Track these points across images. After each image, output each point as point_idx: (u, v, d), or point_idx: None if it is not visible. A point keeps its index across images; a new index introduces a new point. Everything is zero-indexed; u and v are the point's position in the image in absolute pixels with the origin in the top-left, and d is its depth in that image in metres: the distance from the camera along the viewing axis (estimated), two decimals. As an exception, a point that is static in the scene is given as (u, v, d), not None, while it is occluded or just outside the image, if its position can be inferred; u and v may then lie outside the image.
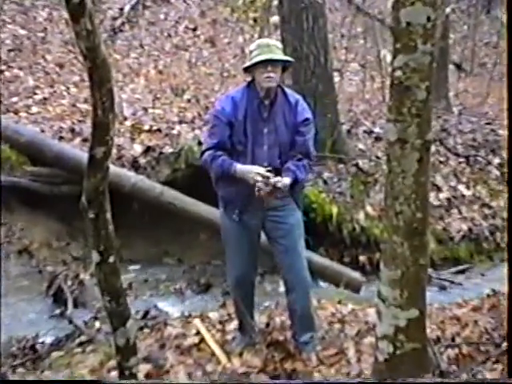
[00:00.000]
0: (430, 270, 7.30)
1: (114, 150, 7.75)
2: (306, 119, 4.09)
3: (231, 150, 4.05)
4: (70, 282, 6.30)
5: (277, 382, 4.00)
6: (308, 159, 4.10)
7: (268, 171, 3.87)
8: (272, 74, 3.97)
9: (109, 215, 2.94)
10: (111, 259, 3.01)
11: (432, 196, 8.34)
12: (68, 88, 10.13)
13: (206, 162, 4.08)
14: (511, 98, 3.28)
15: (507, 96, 3.19)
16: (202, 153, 4.13)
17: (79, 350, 4.80)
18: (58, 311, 5.83)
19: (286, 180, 3.92)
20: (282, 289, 7.08)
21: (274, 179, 3.86)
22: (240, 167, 3.96)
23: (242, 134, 4.02)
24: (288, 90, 4.21)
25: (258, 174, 3.88)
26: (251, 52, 4.05)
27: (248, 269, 4.27)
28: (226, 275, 4.38)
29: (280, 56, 4.01)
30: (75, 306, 5.95)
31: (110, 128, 2.70)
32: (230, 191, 4.11)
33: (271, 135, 4.05)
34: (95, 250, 2.97)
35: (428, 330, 3.72)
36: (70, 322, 5.44)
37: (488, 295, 5.28)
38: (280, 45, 4.14)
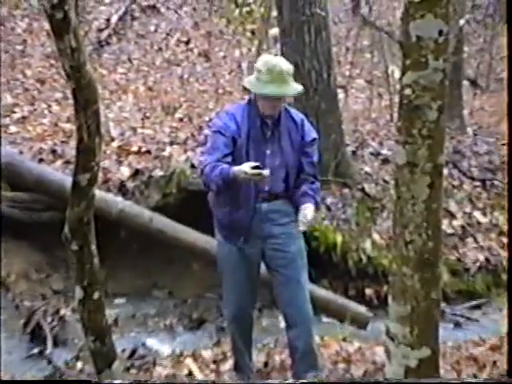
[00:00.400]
0: (443, 305, 7.28)
1: (100, 174, 7.72)
2: (314, 139, 4.16)
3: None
4: (49, 318, 6.26)
5: (277, 381, 3.98)
6: (318, 181, 4.18)
7: (256, 167, 3.86)
8: (278, 105, 4.01)
9: (94, 247, 2.94)
10: (96, 295, 3.01)
11: (445, 223, 8.34)
12: (49, 106, 10.16)
13: (206, 176, 4.05)
14: (511, 108, 3.32)
15: (507, 105, 3.22)
16: (202, 170, 4.12)
17: (59, 394, 4.76)
18: (36, 350, 5.79)
19: (310, 209, 3.95)
20: (282, 324, 7.12)
21: (264, 171, 3.84)
22: (234, 168, 3.93)
23: (244, 156, 4.03)
24: (291, 109, 4.25)
25: (248, 167, 3.86)
26: (259, 72, 4.01)
27: (247, 302, 4.27)
28: (222, 309, 4.38)
29: (294, 91, 4.06)
30: (55, 344, 5.92)
31: (96, 153, 2.72)
32: (229, 213, 4.14)
33: (275, 157, 4.07)
34: (78, 286, 2.97)
35: (442, 371, 3.70)
36: (50, 362, 5.40)
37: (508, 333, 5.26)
38: (291, 68, 4.09)
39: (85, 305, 2.99)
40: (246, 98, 4.25)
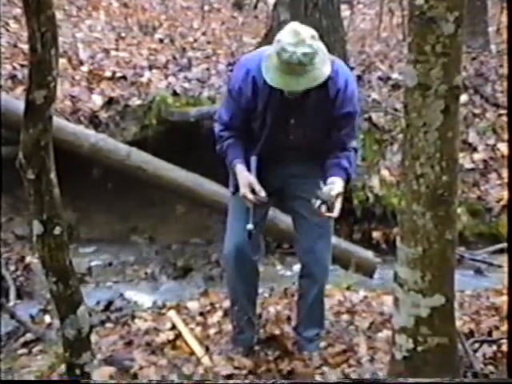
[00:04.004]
0: (461, 249, 7.36)
1: (68, 103, 7.75)
2: (347, 113, 4.00)
3: (248, 134, 4.12)
4: (12, 267, 6.31)
5: (277, 381, 4.03)
6: (352, 150, 4.10)
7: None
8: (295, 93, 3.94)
9: (53, 175, 2.92)
10: (57, 230, 2.99)
11: (464, 157, 8.36)
12: (7, 24, 10.01)
13: (215, 135, 4.19)
14: (511, 107, 3.45)
15: (507, 105, 3.22)
16: (215, 122, 4.23)
17: (24, 351, 4.78)
18: (-4, 303, 5.84)
19: (337, 185, 3.92)
20: (279, 272, 7.19)
21: (262, 194, 3.97)
22: (238, 169, 4.04)
23: (260, 125, 4.04)
24: (331, 72, 3.90)
25: (248, 186, 3.98)
26: (274, 50, 3.74)
27: (248, 243, 4.27)
28: (223, 246, 4.35)
29: (309, 84, 3.77)
30: (19, 296, 5.97)
31: (53, 67, 2.67)
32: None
33: (300, 128, 4.03)
34: (36, 220, 2.96)
35: (458, 323, 3.75)
36: (12, 316, 5.42)
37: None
38: (315, 51, 3.71)
39: (44, 241, 2.98)
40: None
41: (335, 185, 3.89)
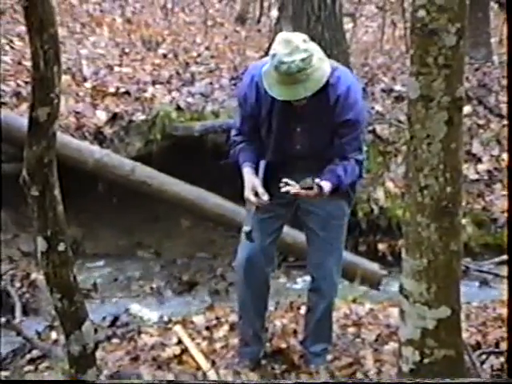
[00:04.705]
0: (467, 260, 7.34)
1: (73, 119, 7.76)
2: (347, 120, 3.95)
3: (258, 141, 4.15)
4: (18, 284, 6.30)
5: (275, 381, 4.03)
6: (353, 161, 4.06)
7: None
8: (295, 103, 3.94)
9: (57, 192, 2.93)
10: (61, 247, 3.00)
11: (468, 168, 8.35)
12: (11, 41, 10.05)
13: (229, 142, 4.27)
14: (511, 106, 3.38)
15: (507, 105, 3.22)
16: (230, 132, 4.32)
17: (30, 367, 4.76)
18: (2, 320, 5.80)
19: (326, 185, 3.91)
20: (284, 285, 7.18)
21: (265, 198, 3.98)
22: (245, 172, 4.07)
23: (266, 133, 4.06)
24: (332, 79, 3.93)
25: (252, 188, 4.01)
26: (270, 61, 3.80)
27: (261, 255, 4.25)
28: (233, 265, 4.33)
29: (306, 92, 3.79)
30: (25, 313, 5.96)
31: (55, 84, 2.68)
32: None
33: (306, 136, 4.02)
34: (41, 236, 2.96)
35: (465, 334, 3.73)
36: (19, 333, 5.42)
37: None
38: (308, 57, 3.72)
39: (49, 258, 2.99)
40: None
41: (313, 190, 3.84)
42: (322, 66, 3.78)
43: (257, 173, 4.07)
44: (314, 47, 3.77)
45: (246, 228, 4.01)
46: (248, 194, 4.00)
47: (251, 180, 4.03)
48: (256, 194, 3.97)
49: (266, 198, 3.97)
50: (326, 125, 3.99)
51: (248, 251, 4.22)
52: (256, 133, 4.11)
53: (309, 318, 4.40)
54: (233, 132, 4.25)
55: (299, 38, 3.72)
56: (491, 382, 3.72)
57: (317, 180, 3.83)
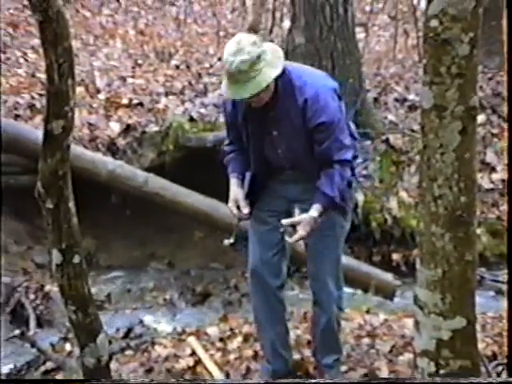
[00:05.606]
0: (482, 270, 7.30)
1: (86, 131, 7.78)
2: (321, 124, 3.89)
3: (244, 149, 4.16)
4: (32, 296, 6.31)
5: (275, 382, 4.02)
6: (338, 165, 4.01)
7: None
8: (253, 102, 3.92)
9: (71, 204, 2.94)
10: (76, 259, 3.01)
11: (482, 177, 8.32)
12: (25, 54, 10.12)
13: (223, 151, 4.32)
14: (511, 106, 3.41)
15: (507, 105, 3.21)
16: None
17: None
18: (17, 332, 5.81)
19: (313, 213, 3.88)
20: (298, 296, 7.16)
21: (245, 211, 4.02)
22: (231, 183, 4.11)
23: (245, 139, 4.07)
24: (296, 79, 3.92)
25: (234, 201, 4.05)
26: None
27: (266, 269, 4.23)
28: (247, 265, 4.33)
29: (252, 91, 3.74)
30: (39, 325, 5.97)
31: (70, 97, 2.69)
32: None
33: (284, 139, 4.00)
34: (55, 249, 2.97)
35: (481, 345, 3.71)
36: (33, 345, 5.42)
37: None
38: (252, 57, 3.69)
39: (63, 270, 3.00)
40: None
41: (307, 213, 3.87)
42: (268, 70, 3.74)
43: (243, 184, 4.11)
44: (264, 50, 3.75)
45: (226, 241, 4.06)
46: (231, 206, 4.04)
47: (234, 192, 4.07)
48: (238, 207, 4.02)
49: (246, 211, 4.02)
50: (300, 128, 3.93)
51: (251, 265, 4.26)
52: (242, 141, 4.12)
53: (315, 331, 4.38)
54: (225, 142, 4.30)
55: (249, 40, 3.72)
56: (491, 382, 3.70)
57: (283, 221, 3.91)
